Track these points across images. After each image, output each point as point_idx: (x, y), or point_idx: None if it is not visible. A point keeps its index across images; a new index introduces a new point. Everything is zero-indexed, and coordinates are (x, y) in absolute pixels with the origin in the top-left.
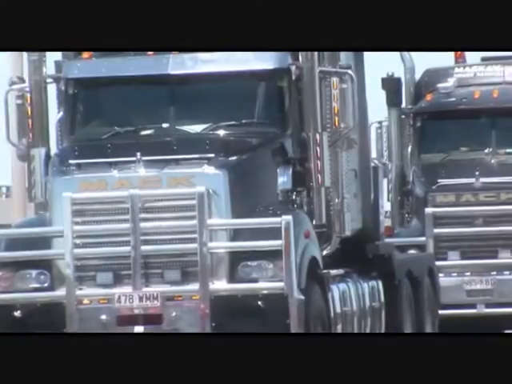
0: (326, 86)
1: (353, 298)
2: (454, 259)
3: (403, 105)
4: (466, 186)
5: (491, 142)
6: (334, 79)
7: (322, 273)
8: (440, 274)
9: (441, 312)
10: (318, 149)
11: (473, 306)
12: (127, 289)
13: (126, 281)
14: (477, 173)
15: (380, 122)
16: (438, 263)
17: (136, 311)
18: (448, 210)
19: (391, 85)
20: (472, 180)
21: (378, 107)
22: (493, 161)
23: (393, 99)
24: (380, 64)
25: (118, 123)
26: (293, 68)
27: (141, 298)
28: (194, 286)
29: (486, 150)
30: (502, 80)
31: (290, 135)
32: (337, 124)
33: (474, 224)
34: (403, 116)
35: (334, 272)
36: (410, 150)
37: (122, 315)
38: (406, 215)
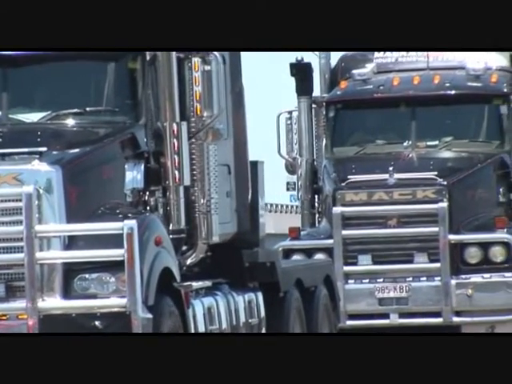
0: (188, 69)
1: (222, 315)
2: (364, 264)
3: (317, 93)
4: (379, 183)
5: (410, 133)
6: (196, 60)
7: (179, 286)
8: (350, 281)
9: (349, 323)
10: (175, 141)
11: (385, 315)
12: None
13: None
14: (391, 168)
15: (290, 112)
16: (346, 268)
17: None
18: (358, 210)
19: (301, 71)
20: (386, 176)
21: None
22: (412, 155)
23: (303, 87)
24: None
25: None
26: None
27: None
28: (21, 304)
29: (405, 143)
30: (426, 66)
31: (142, 125)
32: (199, 112)
33: (387, 225)
34: (314, 105)
35: (197, 284)
36: (323, 142)
37: None
38: (317, 215)
